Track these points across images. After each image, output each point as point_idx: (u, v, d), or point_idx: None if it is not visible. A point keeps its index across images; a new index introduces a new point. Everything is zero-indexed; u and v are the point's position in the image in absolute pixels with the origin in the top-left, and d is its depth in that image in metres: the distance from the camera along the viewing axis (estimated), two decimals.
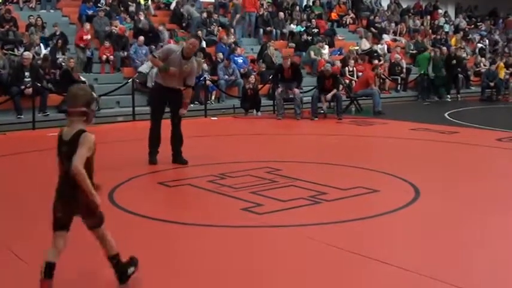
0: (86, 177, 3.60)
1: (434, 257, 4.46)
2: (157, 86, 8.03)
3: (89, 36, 15.94)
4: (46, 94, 13.17)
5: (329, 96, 14.00)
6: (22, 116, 12.73)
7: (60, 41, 15.36)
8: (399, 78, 19.57)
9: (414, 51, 21.76)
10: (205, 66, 15.67)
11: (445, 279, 3.95)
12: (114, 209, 5.91)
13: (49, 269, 3.61)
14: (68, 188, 3.67)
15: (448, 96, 19.38)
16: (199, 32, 17.10)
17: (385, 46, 21.15)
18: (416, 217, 5.66)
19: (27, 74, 13.04)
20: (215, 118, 14.29)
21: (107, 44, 15.98)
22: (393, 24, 23.94)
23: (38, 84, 12.93)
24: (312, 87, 15.32)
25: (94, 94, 4.32)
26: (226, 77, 15.80)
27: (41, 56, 14.64)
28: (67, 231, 3.72)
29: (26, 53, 13.53)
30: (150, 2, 19.51)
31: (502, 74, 20.14)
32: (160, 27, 17.44)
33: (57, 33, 15.77)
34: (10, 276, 4.17)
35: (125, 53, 16.15)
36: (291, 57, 15.64)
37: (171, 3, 19.72)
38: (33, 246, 4.78)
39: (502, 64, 20.66)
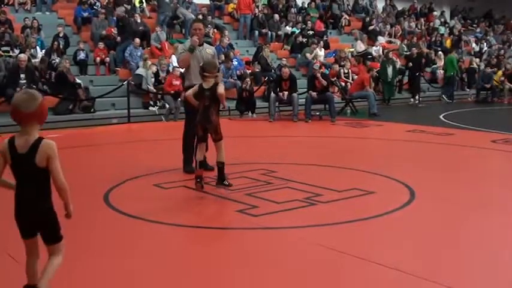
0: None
1: (430, 259, 4.48)
2: (189, 87, 7.65)
3: (178, 82, 14.13)
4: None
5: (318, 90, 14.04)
6: None
7: (61, 43, 15.38)
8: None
9: (408, 53, 21.82)
10: None
11: (441, 281, 3.96)
12: (110, 211, 5.91)
13: (201, 164, 6.34)
14: (207, 114, 6.21)
15: (411, 99, 19.01)
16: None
17: (380, 48, 21.20)
18: (411, 219, 5.67)
19: (22, 76, 13.03)
20: None
21: (100, 45, 16.01)
22: (388, 26, 24.00)
23: (34, 86, 12.91)
24: (306, 90, 15.35)
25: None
26: (225, 79, 15.80)
27: (37, 57, 14.64)
28: (205, 142, 6.47)
29: (22, 55, 13.51)
30: (144, 4, 19.51)
31: (497, 78, 20.23)
32: (158, 29, 17.45)
33: (61, 34, 15.82)
34: (5, 278, 4.17)
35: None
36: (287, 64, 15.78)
37: None
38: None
39: (500, 73, 20.67)
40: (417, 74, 19.20)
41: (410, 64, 19.34)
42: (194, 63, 7.68)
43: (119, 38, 16.60)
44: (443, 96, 19.90)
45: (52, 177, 3.32)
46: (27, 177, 3.36)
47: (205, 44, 7.95)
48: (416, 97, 18.96)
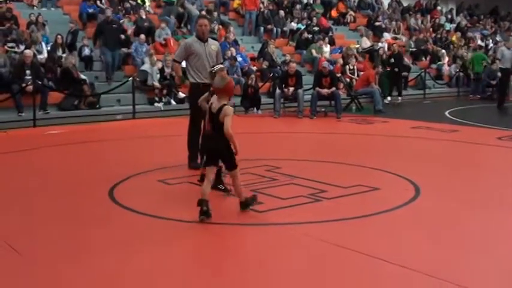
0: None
1: (435, 255, 4.46)
2: (194, 84, 7.65)
3: None
4: (47, 92, 13.19)
5: (326, 91, 14.01)
6: (23, 114, 12.75)
7: (69, 39, 15.43)
8: None
9: (414, 49, 21.80)
10: None
11: (446, 277, 3.96)
12: (115, 206, 5.93)
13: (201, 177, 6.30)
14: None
15: (389, 97, 17.99)
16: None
17: (386, 44, 21.15)
18: (416, 215, 5.66)
19: (28, 71, 13.07)
20: None
21: None
22: (394, 23, 23.95)
23: (39, 82, 12.94)
24: (311, 86, 15.32)
25: None
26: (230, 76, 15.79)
27: (43, 53, 14.65)
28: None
29: (27, 51, 13.54)
30: (147, 2, 19.50)
31: None
32: (163, 25, 17.44)
33: (72, 30, 15.93)
34: (4, 267, 4.21)
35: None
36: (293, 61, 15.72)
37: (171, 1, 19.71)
38: (29, 239, 4.84)
39: None
40: (398, 71, 18.40)
41: (392, 60, 18.45)
42: (197, 59, 7.63)
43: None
44: (471, 94, 19.99)
45: (223, 127, 5.27)
46: (215, 126, 5.40)
47: (210, 40, 7.86)
48: (398, 96, 18.38)
